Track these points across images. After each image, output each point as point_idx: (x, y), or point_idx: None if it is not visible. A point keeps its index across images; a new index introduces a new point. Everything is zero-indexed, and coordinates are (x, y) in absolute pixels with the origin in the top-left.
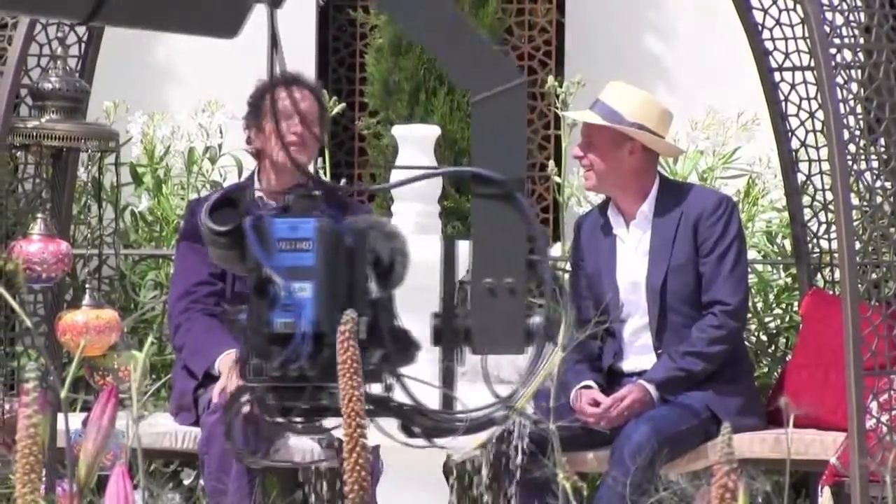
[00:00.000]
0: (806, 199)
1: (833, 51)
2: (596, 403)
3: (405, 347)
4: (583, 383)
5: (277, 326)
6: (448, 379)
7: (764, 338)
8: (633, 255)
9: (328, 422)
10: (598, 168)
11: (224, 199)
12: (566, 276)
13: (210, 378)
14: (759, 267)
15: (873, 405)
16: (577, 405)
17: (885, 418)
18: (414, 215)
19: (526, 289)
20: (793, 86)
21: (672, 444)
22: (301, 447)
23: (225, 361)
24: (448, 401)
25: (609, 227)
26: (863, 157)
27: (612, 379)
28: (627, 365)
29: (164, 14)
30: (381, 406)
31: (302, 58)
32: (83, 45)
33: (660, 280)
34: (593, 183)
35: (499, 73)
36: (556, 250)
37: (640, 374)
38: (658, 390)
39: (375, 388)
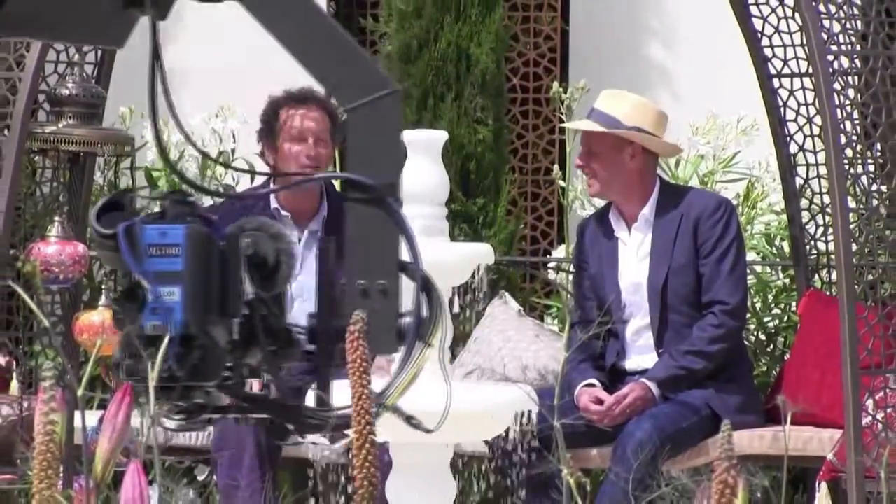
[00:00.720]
0: (804, 203)
1: (830, 58)
2: (599, 401)
3: (286, 346)
4: (586, 381)
5: (147, 329)
6: (323, 379)
7: (763, 337)
8: (634, 257)
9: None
10: (602, 175)
11: (111, 203)
12: (570, 277)
13: None
14: (758, 268)
15: (869, 403)
16: (580, 403)
17: (880, 416)
18: (421, 218)
19: (397, 290)
20: (791, 92)
21: (673, 440)
22: (312, 443)
23: None
24: (321, 399)
25: (611, 230)
26: (859, 161)
27: (614, 377)
28: (630, 364)
29: (55, 23)
30: (258, 403)
31: None
32: (99, 52)
33: (661, 281)
34: (597, 189)
35: (371, 82)
36: (560, 252)
37: (642, 372)
38: (660, 388)
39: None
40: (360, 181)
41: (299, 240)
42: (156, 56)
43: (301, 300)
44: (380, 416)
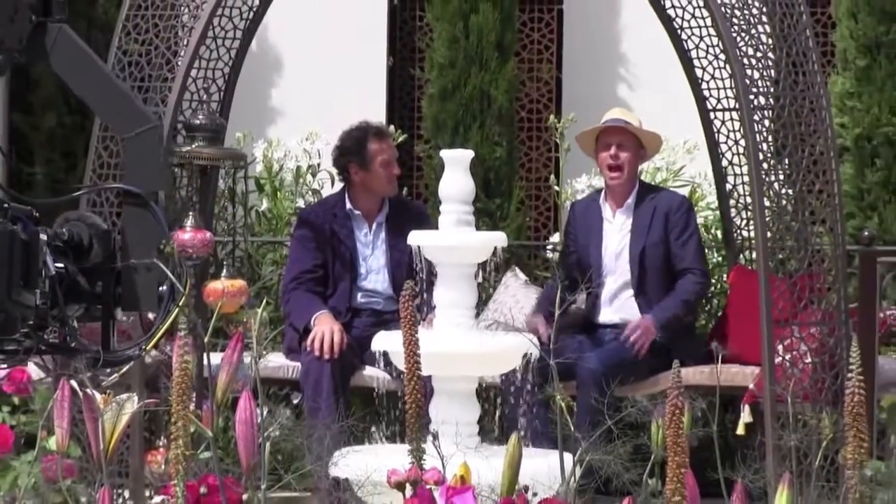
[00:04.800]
0: (732, 202)
1: (752, 97)
2: (535, 330)
3: (88, 306)
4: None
5: None
6: (106, 331)
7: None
8: (618, 234)
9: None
10: (629, 165)
11: None
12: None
13: (307, 331)
14: None
15: (780, 347)
16: (532, 326)
17: (787, 357)
18: (455, 213)
19: (158, 267)
20: (723, 122)
21: (619, 369)
22: (375, 375)
23: (318, 320)
24: (106, 342)
25: (599, 211)
26: (772, 172)
27: (590, 328)
28: (604, 317)
29: None
30: (59, 348)
31: (377, 102)
32: (221, 93)
33: (638, 251)
34: (622, 179)
35: (138, 119)
36: (555, 238)
37: (614, 325)
38: (660, 328)
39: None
40: (132, 190)
41: (370, 230)
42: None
43: (375, 273)
44: (146, 355)
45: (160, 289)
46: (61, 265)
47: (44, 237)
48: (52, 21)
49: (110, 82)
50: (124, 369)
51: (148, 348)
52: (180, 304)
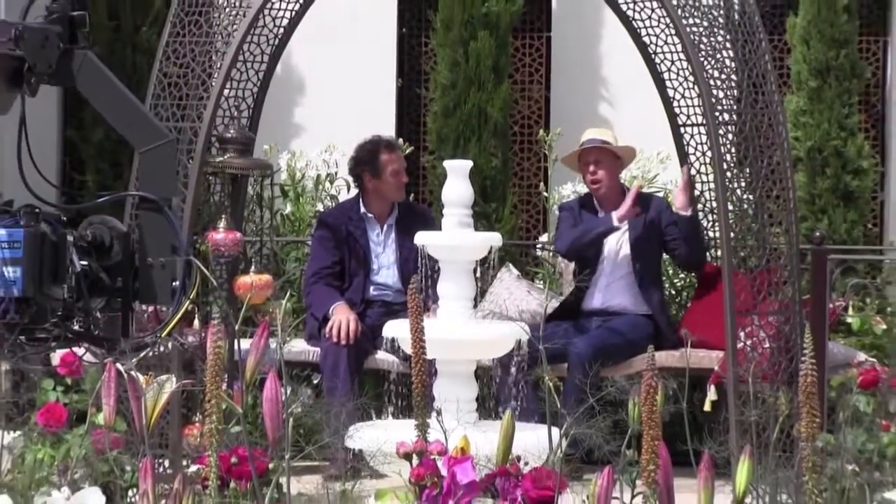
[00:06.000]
0: (700, 206)
1: (717, 114)
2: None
3: (109, 299)
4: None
5: None
6: (125, 321)
7: (674, 292)
8: (616, 232)
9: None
10: (607, 178)
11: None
12: (549, 255)
13: (326, 320)
14: None
15: (742, 334)
16: (625, 210)
17: (749, 342)
18: (456, 216)
19: (173, 264)
20: (692, 135)
21: (605, 352)
22: (386, 359)
23: (335, 310)
24: (125, 330)
25: (596, 211)
26: (735, 180)
27: (580, 315)
28: (594, 303)
29: None
30: (81, 336)
31: (388, 118)
32: (251, 110)
33: (637, 245)
34: (603, 190)
35: (154, 134)
36: (544, 238)
37: (602, 311)
38: (687, 211)
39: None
40: (148, 197)
41: (381, 230)
42: (23, 121)
43: (385, 268)
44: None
45: (173, 283)
46: (85, 263)
47: (70, 238)
48: (77, 48)
49: (129, 102)
50: (143, 353)
51: (163, 335)
52: (191, 296)
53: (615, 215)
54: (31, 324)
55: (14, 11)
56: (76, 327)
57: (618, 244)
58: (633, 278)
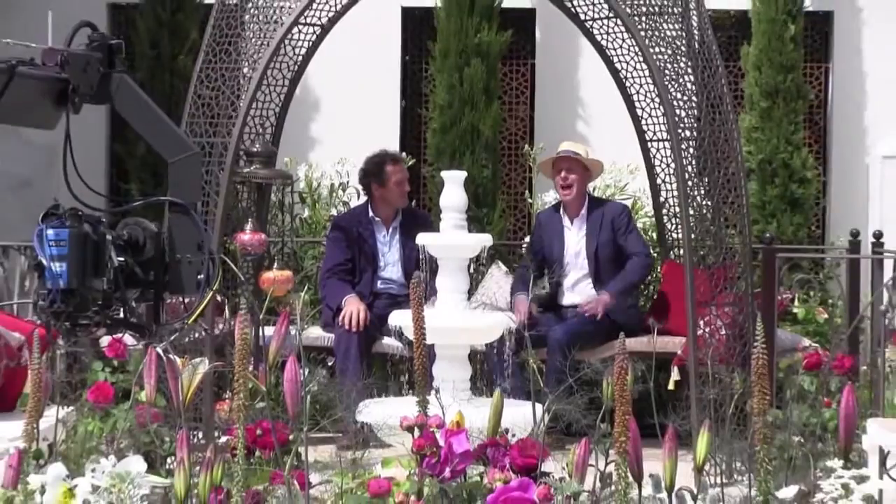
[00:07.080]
0: (665, 211)
1: (679, 130)
2: (529, 314)
3: (143, 290)
4: (520, 293)
5: (47, 285)
6: (157, 309)
7: (642, 286)
8: (575, 236)
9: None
10: (577, 185)
11: (50, 212)
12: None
13: (339, 310)
14: None
15: (701, 322)
16: (518, 308)
17: (707, 329)
18: (452, 220)
19: (199, 261)
20: (658, 149)
21: (580, 337)
22: (391, 344)
23: (347, 301)
24: (157, 317)
25: (560, 220)
26: (695, 188)
27: (555, 309)
28: (566, 300)
29: (8, 113)
30: (119, 322)
31: (392, 135)
32: (273, 127)
33: (593, 249)
34: (572, 195)
35: (182, 147)
36: (528, 239)
37: (575, 305)
38: (613, 297)
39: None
40: (177, 202)
41: (387, 232)
42: (68, 136)
43: (391, 265)
44: (188, 326)
45: (199, 277)
46: (122, 259)
47: (109, 237)
48: (115, 72)
49: (160, 118)
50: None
51: (190, 322)
52: (214, 288)
53: (516, 318)
54: (75, 312)
55: (59, 40)
56: (115, 315)
57: (576, 249)
58: (599, 276)
